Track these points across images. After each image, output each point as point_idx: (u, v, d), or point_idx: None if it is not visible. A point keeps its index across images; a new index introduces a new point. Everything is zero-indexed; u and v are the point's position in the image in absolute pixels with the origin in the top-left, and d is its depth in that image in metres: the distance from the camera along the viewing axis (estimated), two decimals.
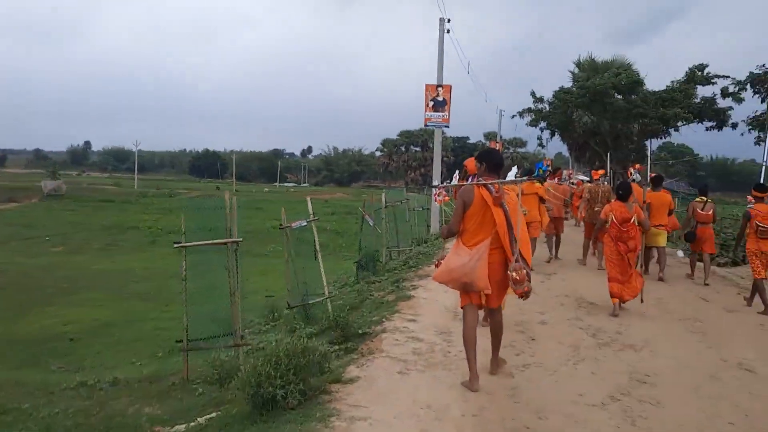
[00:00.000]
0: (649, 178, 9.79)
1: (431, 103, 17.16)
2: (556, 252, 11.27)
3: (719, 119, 30.67)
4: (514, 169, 5.11)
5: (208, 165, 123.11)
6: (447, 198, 14.69)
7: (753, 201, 8.32)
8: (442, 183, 13.93)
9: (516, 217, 4.45)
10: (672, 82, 31.45)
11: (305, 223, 8.34)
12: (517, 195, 4.66)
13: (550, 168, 11.93)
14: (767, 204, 7.98)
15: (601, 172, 12.65)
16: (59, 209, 35.38)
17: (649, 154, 13.70)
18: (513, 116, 36.79)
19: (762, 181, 15.87)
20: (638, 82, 31.40)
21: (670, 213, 9.75)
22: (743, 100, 28.86)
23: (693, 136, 31.06)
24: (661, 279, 9.53)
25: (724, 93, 29.57)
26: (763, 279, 7.80)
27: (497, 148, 33.83)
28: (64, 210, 35.33)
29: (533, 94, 34.76)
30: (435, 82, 17.12)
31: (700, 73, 30.32)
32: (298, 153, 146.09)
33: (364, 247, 11.60)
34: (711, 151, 79.31)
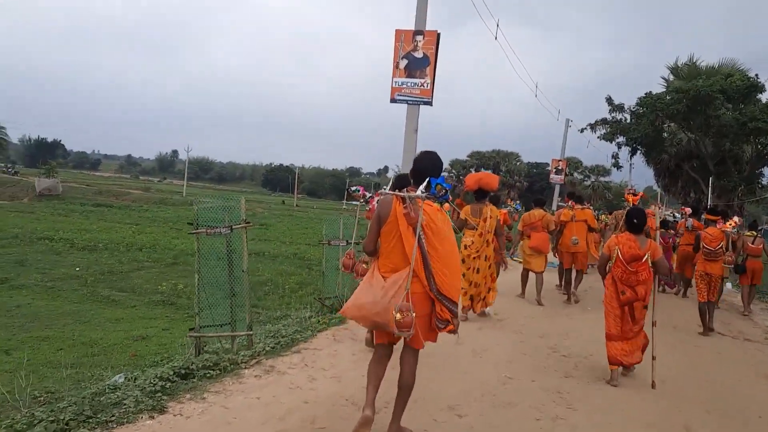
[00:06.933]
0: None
1: (403, 64, 10.66)
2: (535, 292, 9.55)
3: None
4: (422, 187, 3.89)
5: (279, 179, 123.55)
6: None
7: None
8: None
9: (440, 246, 3.58)
10: None
11: None
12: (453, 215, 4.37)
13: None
14: (718, 228, 8.37)
15: (640, 194, 10.20)
16: (16, 210, 30.69)
17: None
18: (582, 129, 29.09)
19: None
20: (756, 87, 23.10)
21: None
22: None
23: None
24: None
25: None
26: (707, 302, 8.07)
27: (560, 167, 26.81)
28: (16, 211, 30.26)
29: (609, 100, 27.05)
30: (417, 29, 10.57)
31: None
32: (375, 172, 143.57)
33: None
34: None
